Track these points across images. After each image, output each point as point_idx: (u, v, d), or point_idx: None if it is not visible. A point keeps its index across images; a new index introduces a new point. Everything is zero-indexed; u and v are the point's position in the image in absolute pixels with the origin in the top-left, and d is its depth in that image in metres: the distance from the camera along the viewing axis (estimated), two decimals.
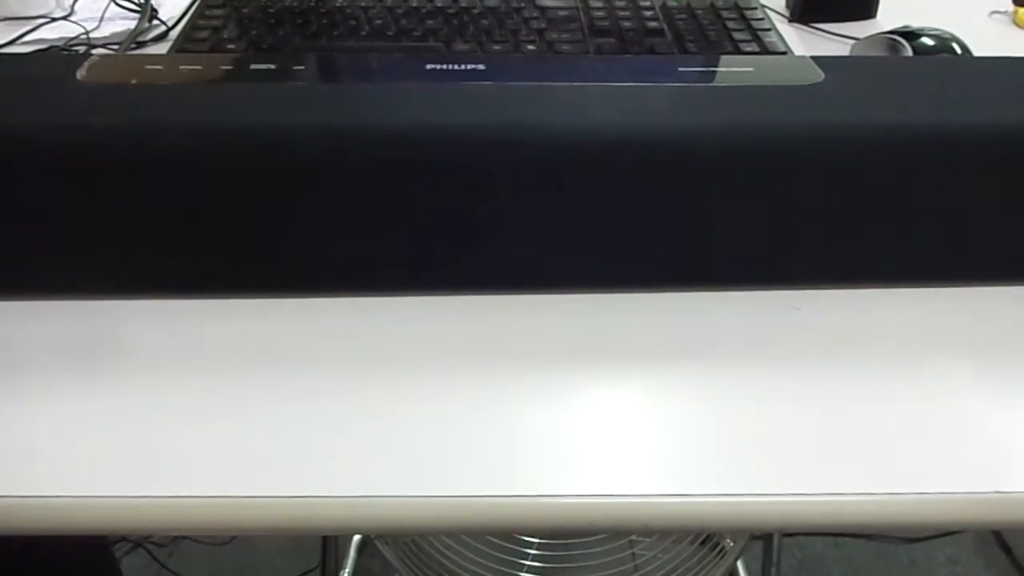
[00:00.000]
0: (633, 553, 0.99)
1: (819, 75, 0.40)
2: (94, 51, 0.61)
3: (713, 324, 0.39)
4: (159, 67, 0.39)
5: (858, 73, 0.41)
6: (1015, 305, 0.41)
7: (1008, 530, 1.30)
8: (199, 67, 0.39)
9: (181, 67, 0.39)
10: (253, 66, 0.39)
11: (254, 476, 0.31)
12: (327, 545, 1.07)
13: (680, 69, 0.41)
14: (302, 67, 0.39)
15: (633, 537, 0.99)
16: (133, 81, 0.37)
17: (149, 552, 1.15)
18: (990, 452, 0.33)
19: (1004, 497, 0.32)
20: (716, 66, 0.42)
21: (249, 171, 0.35)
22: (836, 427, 0.34)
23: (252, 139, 0.34)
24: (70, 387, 0.35)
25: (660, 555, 0.99)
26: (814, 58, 0.42)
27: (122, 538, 1.13)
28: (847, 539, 1.29)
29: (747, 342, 0.38)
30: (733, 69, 0.41)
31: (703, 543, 1.02)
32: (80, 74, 0.38)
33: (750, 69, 0.41)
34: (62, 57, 0.42)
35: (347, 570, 1.12)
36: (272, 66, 0.39)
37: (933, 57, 0.57)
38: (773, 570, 1.10)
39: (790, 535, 1.27)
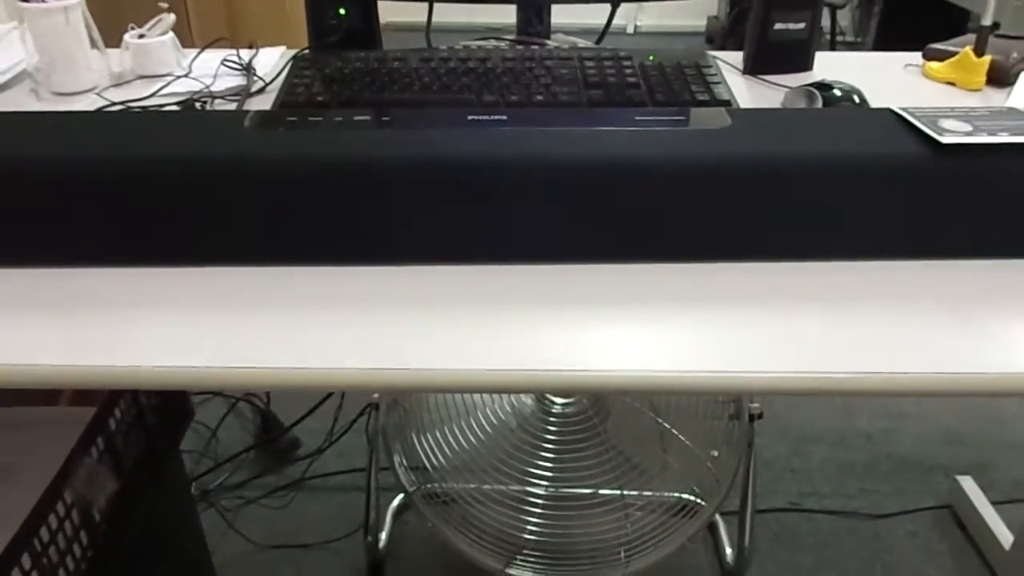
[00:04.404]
0: (627, 513, 1.18)
1: (728, 122, 0.60)
2: (216, 101, 0.83)
3: (651, 282, 0.59)
4: (295, 119, 0.59)
5: (755, 121, 0.61)
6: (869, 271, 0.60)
7: (962, 510, 1.47)
8: (321, 119, 0.60)
9: (310, 119, 0.59)
10: (356, 117, 0.59)
11: (368, 352, 0.50)
12: (368, 509, 1.26)
13: (636, 118, 0.61)
14: (388, 118, 0.60)
15: (626, 500, 1.18)
16: (280, 130, 0.58)
17: (220, 512, 1.35)
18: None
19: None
20: (662, 115, 0.62)
21: (358, 184, 0.55)
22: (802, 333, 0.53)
23: (362, 165, 0.55)
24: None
25: (646, 516, 1.18)
26: (727, 110, 0.62)
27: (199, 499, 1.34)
28: (819, 515, 1.47)
29: (687, 293, 0.58)
30: (672, 118, 0.61)
31: (682, 511, 1.22)
32: (246, 123, 0.59)
33: (683, 118, 0.61)
34: (231, 114, 0.63)
35: (386, 529, 1.31)
36: (368, 117, 0.60)
37: (811, 109, 0.78)
38: (747, 538, 1.28)
39: (763, 511, 1.45)
